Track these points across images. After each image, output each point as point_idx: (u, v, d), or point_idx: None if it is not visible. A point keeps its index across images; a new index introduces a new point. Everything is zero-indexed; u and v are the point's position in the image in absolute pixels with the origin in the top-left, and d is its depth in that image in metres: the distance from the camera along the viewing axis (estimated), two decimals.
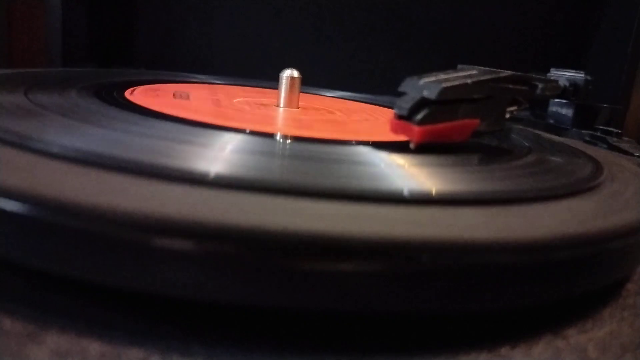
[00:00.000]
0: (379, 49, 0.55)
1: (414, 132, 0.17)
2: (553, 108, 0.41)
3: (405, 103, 0.17)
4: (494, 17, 0.55)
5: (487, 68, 0.20)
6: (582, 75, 0.40)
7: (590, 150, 0.25)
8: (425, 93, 0.17)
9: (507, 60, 0.55)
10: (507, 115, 0.20)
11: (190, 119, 0.19)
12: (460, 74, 0.19)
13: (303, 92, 0.33)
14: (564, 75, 0.40)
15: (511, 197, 0.14)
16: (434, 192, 0.14)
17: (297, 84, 0.25)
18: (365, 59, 0.55)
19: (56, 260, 0.10)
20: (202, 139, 0.16)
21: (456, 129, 0.18)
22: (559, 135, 0.40)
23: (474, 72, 0.19)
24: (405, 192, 0.14)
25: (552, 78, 0.37)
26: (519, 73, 0.20)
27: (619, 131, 0.37)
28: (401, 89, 0.18)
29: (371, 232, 0.10)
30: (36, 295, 0.11)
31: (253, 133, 0.18)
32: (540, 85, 0.19)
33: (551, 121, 0.42)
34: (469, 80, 0.18)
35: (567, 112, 0.40)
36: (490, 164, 0.18)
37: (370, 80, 0.54)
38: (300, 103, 0.26)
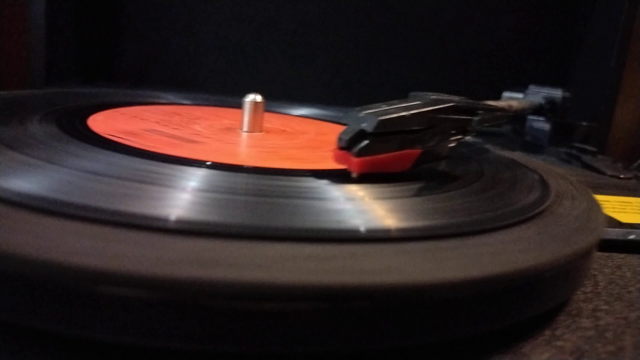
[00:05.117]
0: (364, 64, 0.55)
1: (353, 163, 0.18)
2: (531, 125, 0.41)
3: (345, 135, 0.18)
4: (478, 33, 0.56)
5: (437, 95, 0.20)
6: (560, 92, 0.40)
7: (549, 174, 0.25)
8: (364, 125, 0.18)
9: (491, 76, 0.55)
10: (453, 144, 0.20)
11: (146, 150, 0.19)
12: (403, 104, 0.19)
13: (271, 112, 0.34)
14: (541, 92, 0.40)
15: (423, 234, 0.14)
16: (359, 229, 0.14)
17: (261, 108, 0.26)
18: (350, 74, 0.55)
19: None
20: (151, 176, 0.17)
21: (396, 159, 0.18)
22: (536, 153, 0.40)
23: (418, 102, 0.19)
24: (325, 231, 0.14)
25: (510, 102, 0.37)
26: (464, 102, 0.20)
27: (594, 149, 0.37)
28: (343, 120, 0.19)
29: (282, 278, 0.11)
30: None
31: (194, 164, 0.18)
32: (475, 118, 0.19)
33: (528, 138, 0.42)
34: (407, 113, 0.18)
35: (544, 129, 0.40)
36: (427, 194, 0.18)
37: (354, 95, 0.54)
38: (265, 125, 0.27)
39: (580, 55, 0.54)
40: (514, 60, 0.56)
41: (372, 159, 0.18)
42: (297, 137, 0.26)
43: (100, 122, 0.24)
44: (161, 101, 0.33)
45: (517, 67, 0.56)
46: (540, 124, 0.40)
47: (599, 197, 0.29)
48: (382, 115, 0.17)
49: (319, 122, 0.34)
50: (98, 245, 0.11)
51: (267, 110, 0.33)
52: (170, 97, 0.35)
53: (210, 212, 0.14)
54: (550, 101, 0.40)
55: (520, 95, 0.41)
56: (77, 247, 0.11)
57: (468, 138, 0.20)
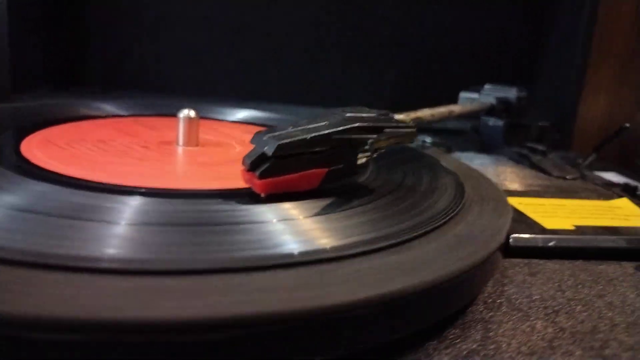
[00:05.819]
0: (331, 65, 0.56)
1: (257, 185, 0.19)
2: (485, 125, 0.41)
3: (249, 157, 0.19)
4: (444, 33, 0.56)
5: (354, 113, 0.21)
6: (514, 91, 0.41)
7: (473, 181, 0.26)
8: (265, 149, 0.18)
9: (457, 75, 0.56)
10: (362, 161, 0.21)
11: (69, 177, 0.20)
12: (311, 125, 0.20)
13: (214, 119, 0.35)
14: (494, 93, 0.41)
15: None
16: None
17: (195, 122, 0.26)
18: (316, 75, 0.56)
19: None
20: (69, 207, 0.17)
21: (301, 179, 0.19)
22: (490, 152, 0.41)
23: (325, 122, 0.20)
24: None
25: (451, 107, 0.37)
26: (371, 121, 0.20)
27: (544, 149, 0.38)
28: (251, 142, 0.19)
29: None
30: None
31: (112, 190, 0.19)
32: (369, 140, 0.19)
33: (484, 138, 0.42)
34: (308, 135, 0.19)
35: (498, 128, 0.41)
36: (331, 212, 0.19)
37: (321, 96, 0.55)
38: (204, 136, 0.28)
39: (547, 53, 0.54)
40: (481, 59, 0.56)
41: (275, 180, 0.19)
42: (231, 149, 0.27)
43: (33, 145, 0.24)
44: (100, 114, 0.34)
45: (485, 66, 0.56)
46: (494, 123, 0.41)
47: (535, 201, 0.30)
48: (282, 139, 0.18)
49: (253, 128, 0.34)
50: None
51: (213, 118, 0.34)
52: (109, 107, 0.35)
53: (122, 247, 0.15)
54: (504, 101, 0.40)
55: (476, 95, 0.41)
56: None
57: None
